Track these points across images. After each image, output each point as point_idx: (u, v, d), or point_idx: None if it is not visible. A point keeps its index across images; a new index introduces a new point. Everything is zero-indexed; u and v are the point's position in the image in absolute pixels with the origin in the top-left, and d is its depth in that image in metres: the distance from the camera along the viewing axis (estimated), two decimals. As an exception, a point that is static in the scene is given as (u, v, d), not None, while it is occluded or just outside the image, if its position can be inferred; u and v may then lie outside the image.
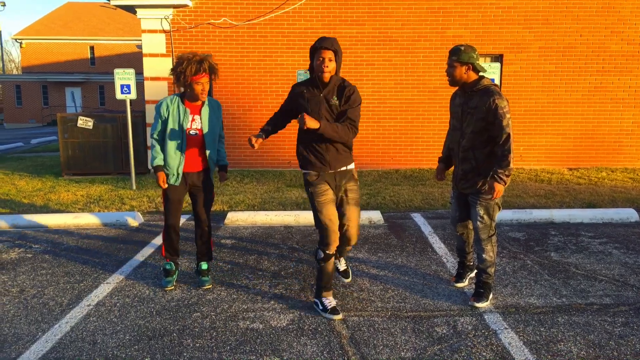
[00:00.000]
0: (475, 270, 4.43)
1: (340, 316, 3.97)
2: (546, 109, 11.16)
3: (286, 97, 4.14)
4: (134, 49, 38.96)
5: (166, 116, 4.37)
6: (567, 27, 10.88)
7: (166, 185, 4.40)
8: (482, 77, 3.98)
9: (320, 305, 4.05)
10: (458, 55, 3.88)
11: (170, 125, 4.36)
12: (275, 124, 4.14)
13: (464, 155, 4.06)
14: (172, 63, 10.98)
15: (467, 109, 3.98)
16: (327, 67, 3.75)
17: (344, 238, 4.06)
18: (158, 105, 4.41)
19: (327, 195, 3.92)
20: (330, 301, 4.05)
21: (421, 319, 3.95)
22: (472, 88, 3.96)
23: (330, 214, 3.89)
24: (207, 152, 4.47)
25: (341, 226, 4.02)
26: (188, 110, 4.38)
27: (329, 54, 3.75)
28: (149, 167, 11.10)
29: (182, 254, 5.55)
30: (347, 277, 4.57)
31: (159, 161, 4.42)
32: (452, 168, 4.35)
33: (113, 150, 10.77)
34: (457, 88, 4.16)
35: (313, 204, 3.94)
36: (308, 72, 4.11)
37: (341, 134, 3.79)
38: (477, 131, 3.93)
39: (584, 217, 6.83)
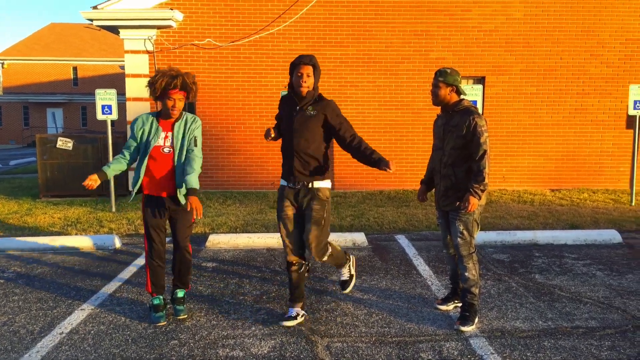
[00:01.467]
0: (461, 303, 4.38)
1: (290, 323, 4.15)
2: (528, 130, 11.25)
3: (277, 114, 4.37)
4: (117, 69, 38.85)
5: (140, 134, 4.20)
6: (548, 50, 11.04)
7: (89, 183, 4.07)
8: (463, 99, 4.19)
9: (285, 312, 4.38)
10: (445, 77, 4.10)
11: (142, 144, 4.22)
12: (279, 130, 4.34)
13: (445, 172, 4.19)
14: (155, 84, 10.89)
15: (448, 128, 4.16)
16: (304, 82, 3.98)
17: (309, 251, 4.22)
18: (133, 122, 4.23)
19: (286, 211, 4.17)
20: (292, 311, 4.26)
21: (406, 344, 3.86)
22: (454, 108, 4.16)
23: (283, 230, 4.19)
24: (177, 170, 4.18)
25: (305, 241, 4.18)
26: (160, 128, 4.20)
27: (307, 70, 3.97)
28: (130, 188, 10.93)
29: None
30: (344, 289, 4.68)
31: (106, 169, 4.20)
32: (435, 189, 4.44)
33: (93, 171, 10.55)
34: (439, 112, 4.34)
35: (277, 217, 4.26)
36: (287, 87, 4.14)
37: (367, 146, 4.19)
38: (457, 147, 4.09)
39: (567, 238, 6.83)
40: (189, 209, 3.96)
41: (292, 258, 4.21)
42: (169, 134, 4.21)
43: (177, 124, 4.23)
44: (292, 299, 4.32)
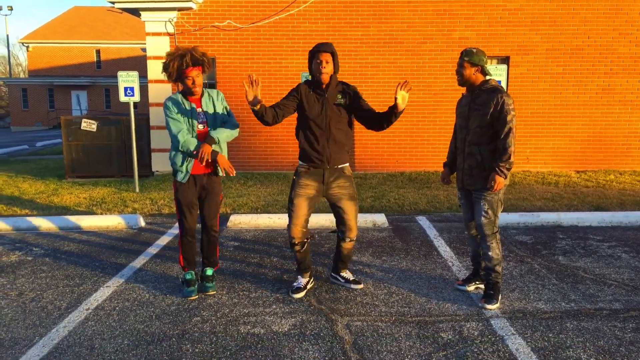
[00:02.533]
0: (484, 282, 4.38)
1: (298, 295, 4.33)
2: (553, 111, 11.04)
3: (290, 92, 4.27)
4: (139, 52, 39.09)
5: (178, 115, 4.23)
6: (575, 29, 10.77)
7: (207, 155, 4.12)
8: (489, 79, 4.17)
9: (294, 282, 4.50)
10: (470, 57, 4.08)
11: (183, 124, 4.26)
12: (277, 107, 4.20)
13: (470, 150, 4.16)
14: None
15: (474, 106, 4.13)
16: (324, 68, 4.06)
17: (343, 231, 4.39)
18: (166, 107, 4.24)
19: (306, 190, 4.22)
20: (298, 282, 4.44)
21: (426, 324, 3.86)
22: (480, 87, 4.13)
23: (297, 204, 4.21)
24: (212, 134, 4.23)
25: (341, 220, 4.36)
26: (194, 105, 4.27)
27: (326, 57, 4.06)
28: (153, 169, 11.06)
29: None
30: (359, 284, 4.58)
31: (193, 142, 4.19)
32: (457, 169, 4.43)
33: (117, 152, 10.73)
34: (464, 92, 4.33)
35: (290, 191, 4.29)
36: (309, 75, 4.18)
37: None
38: (484, 126, 4.06)
39: (592, 220, 6.72)
40: (221, 173, 4.27)
41: (295, 235, 4.25)
42: (200, 111, 4.30)
43: (203, 100, 4.33)
44: (299, 269, 4.48)
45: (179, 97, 4.29)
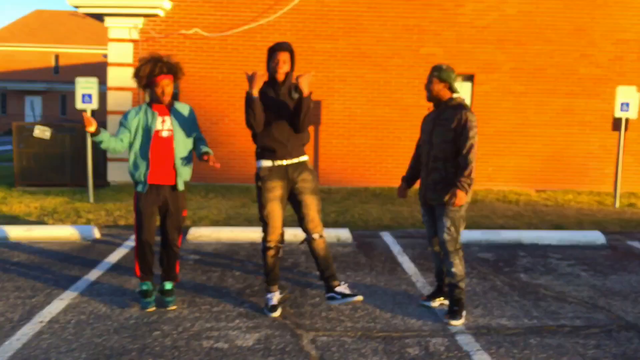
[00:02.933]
0: (449, 298, 4.38)
1: (276, 314, 4.17)
2: (516, 130, 11.27)
3: None
4: (100, 58, 38.28)
5: (136, 124, 4.17)
6: (539, 49, 11.04)
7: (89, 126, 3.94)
8: (456, 96, 4.25)
9: (265, 302, 4.31)
10: (439, 72, 4.17)
11: (139, 132, 4.18)
12: None
13: (434, 165, 4.19)
14: (140, 72, 10.72)
15: (438, 121, 4.19)
16: (281, 68, 4.11)
17: (307, 229, 4.20)
18: (125, 114, 4.20)
19: (275, 192, 4.14)
20: (271, 298, 4.27)
21: (392, 340, 3.81)
22: (446, 103, 4.20)
23: (272, 210, 4.13)
24: (176, 154, 4.21)
25: (302, 216, 4.21)
26: (156, 112, 4.19)
27: (284, 56, 4.10)
28: (108, 179, 10.75)
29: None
30: (358, 296, 4.14)
31: (101, 136, 4.07)
32: (418, 184, 4.49)
33: (71, 161, 10.38)
34: (430, 108, 4.38)
35: (259, 198, 4.19)
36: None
37: (309, 119, 4.17)
38: (448, 141, 4.11)
39: (552, 238, 6.84)
40: (210, 163, 4.21)
41: (274, 239, 4.18)
42: (166, 117, 4.21)
43: (172, 110, 4.26)
44: (269, 280, 4.29)
45: (143, 107, 4.23)
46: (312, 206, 4.20)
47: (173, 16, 10.69)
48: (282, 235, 4.27)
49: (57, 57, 38.97)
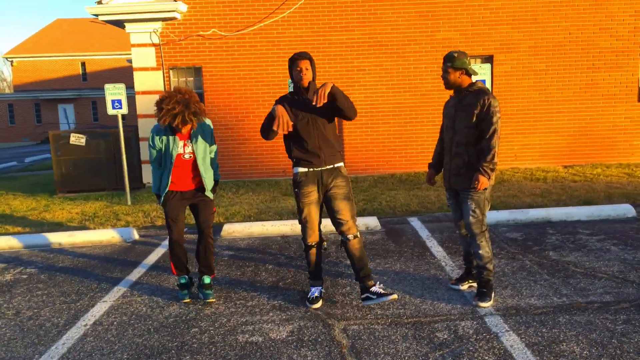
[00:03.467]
0: (477, 280, 4.46)
1: (317, 305, 4.33)
2: (539, 107, 11.17)
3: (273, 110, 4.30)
4: (125, 63, 38.96)
5: (160, 146, 4.49)
6: (556, 26, 10.92)
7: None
8: (476, 81, 4.25)
9: (309, 294, 4.48)
10: (452, 62, 4.16)
11: (163, 153, 4.52)
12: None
13: (457, 151, 4.24)
14: (163, 76, 10.96)
15: (460, 107, 4.21)
16: (305, 75, 4.23)
17: (342, 232, 4.29)
18: (152, 135, 4.51)
19: (311, 197, 4.30)
20: (313, 291, 4.44)
21: (422, 325, 3.92)
22: (467, 89, 4.22)
23: (309, 214, 4.32)
24: (202, 173, 4.55)
25: (336, 221, 4.31)
26: (177, 138, 4.47)
27: (305, 64, 4.23)
28: (144, 181, 11.06)
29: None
30: (393, 295, 4.15)
31: (155, 189, 4.64)
32: (444, 169, 4.51)
33: (107, 166, 10.72)
34: (451, 93, 4.41)
35: (297, 203, 4.38)
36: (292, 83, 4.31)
37: (350, 102, 4.19)
38: (470, 126, 4.14)
39: (581, 214, 6.82)
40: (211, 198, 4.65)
41: (314, 239, 4.37)
42: (187, 142, 4.50)
43: (192, 132, 4.51)
44: (313, 276, 4.48)
45: (163, 129, 4.48)
46: (344, 211, 4.28)
47: (190, 18, 10.89)
48: (320, 234, 4.47)
49: (83, 64, 39.82)
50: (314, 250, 4.42)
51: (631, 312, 3.96)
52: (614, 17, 10.89)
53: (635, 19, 10.89)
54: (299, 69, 4.22)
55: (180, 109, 4.22)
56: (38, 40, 40.45)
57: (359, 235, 4.35)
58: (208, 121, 4.62)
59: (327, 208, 4.38)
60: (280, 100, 4.31)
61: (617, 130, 11.25)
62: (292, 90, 4.44)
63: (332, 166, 4.32)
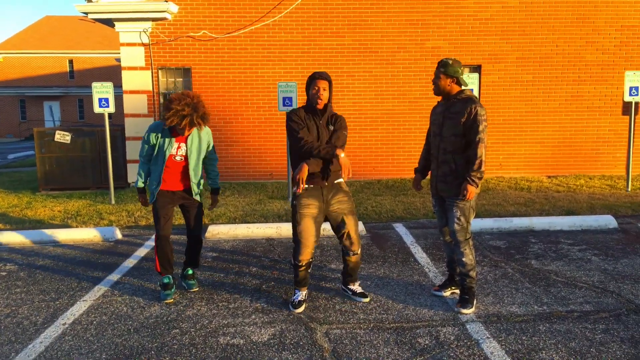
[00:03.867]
0: (460, 287, 4.53)
1: (300, 309, 4.29)
2: (525, 118, 11.29)
3: (295, 122, 4.28)
4: (113, 62, 38.70)
5: (154, 143, 4.52)
6: (544, 38, 11.06)
7: (147, 206, 4.66)
8: (464, 89, 4.28)
9: (292, 299, 4.44)
10: (445, 68, 4.18)
11: (156, 151, 4.55)
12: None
13: (444, 158, 4.26)
14: (152, 76, 10.90)
15: (448, 114, 4.22)
16: (321, 95, 4.20)
17: (346, 246, 4.40)
18: (148, 132, 4.52)
19: (310, 209, 4.24)
20: (300, 294, 4.42)
21: (404, 330, 3.93)
22: (455, 97, 4.23)
23: (306, 227, 4.22)
24: (191, 177, 4.62)
25: (342, 235, 4.38)
26: (173, 139, 4.51)
27: (323, 84, 4.21)
28: (129, 181, 10.97)
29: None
30: (365, 297, 4.53)
31: (140, 184, 4.66)
32: (429, 176, 4.55)
33: (91, 164, 10.62)
34: (439, 100, 4.43)
35: (294, 216, 4.28)
36: (307, 100, 4.42)
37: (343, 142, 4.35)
38: (458, 134, 4.16)
39: (563, 224, 6.89)
40: (214, 207, 4.98)
41: (305, 259, 4.28)
42: (182, 144, 4.54)
43: (190, 137, 4.56)
44: (299, 284, 4.43)
45: (162, 127, 4.51)
46: (351, 226, 4.36)
47: (181, 19, 10.86)
48: (313, 252, 4.37)
49: (71, 62, 39.46)
50: (302, 269, 4.33)
51: (610, 321, 4.01)
52: (600, 31, 11.06)
53: (621, 33, 11.08)
54: (317, 88, 4.20)
55: (189, 111, 4.27)
56: (26, 37, 40.03)
57: (359, 252, 4.48)
58: (207, 129, 4.68)
59: (334, 224, 4.41)
60: (298, 115, 4.28)
61: (601, 142, 11.40)
62: (303, 106, 4.40)
63: (332, 183, 4.36)
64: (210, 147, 4.75)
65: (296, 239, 4.26)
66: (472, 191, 4.06)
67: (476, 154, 4.05)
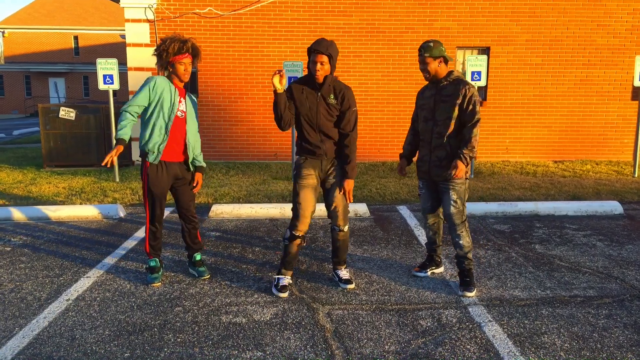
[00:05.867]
0: (441, 268, 4.70)
1: (284, 294, 4.20)
2: (532, 101, 11.18)
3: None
4: (118, 39, 38.52)
5: (159, 95, 4.21)
6: (554, 20, 10.89)
7: (114, 156, 4.12)
8: (452, 70, 4.25)
9: (274, 281, 4.33)
10: (430, 51, 4.13)
11: (163, 105, 4.22)
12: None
13: (439, 142, 4.23)
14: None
15: (440, 98, 4.20)
16: (319, 70, 4.05)
17: (334, 221, 4.34)
18: (148, 81, 4.21)
19: (308, 179, 4.22)
20: (283, 279, 4.31)
21: (405, 312, 3.92)
22: (446, 79, 4.20)
23: (304, 198, 4.18)
24: (189, 135, 4.40)
25: (331, 210, 4.33)
26: (177, 91, 4.32)
27: (322, 58, 4.01)
28: (133, 159, 10.97)
29: (163, 246, 5.49)
30: (350, 284, 4.40)
31: (125, 135, 4.17)
32: (416, 159, 4.55)
33: (96, 141, 10.61)
34: (426, 84, 4.44)
35: (294, 186, 4.27)
36: (307, 69, 4.23)
37: (354, 151, 4.28)
38: (452, 117, 4.14)
39: (569, 209, 6.86)
40: (194, 184, 4.49)
41: (304, 228, 4.21)
42: (182, 99, 4.36)
43: (187, 93, 4.44)
44: (286, 266, 4.34)
45: (167, 80, 4.32)
46: (340, 201, 4.29)
47: (187, -4, 10.74)
48: (307, 226, 4.28)
49: (76, 38, 39.30)
50: (297, 242, 4.25)
51: (613, 307, 4.00)
52: (612, 14, 10.89)
53: (633, 17, 10.90)
54: (314, 62, 4.05)
55: (185, 38, 4.24)
56: (31, 12, 39.81)
57: (345, 230, 4.40)
58: (194, 99, 4.56)
59: (325, 196, 4.36)
60: (296, 83, 4.21)
61: (609, 127, 11.29)
62: (303, 76, 4.27)
63: (332, 157, 4.29)
64: (197, 120, 4.54)
65: (294, 207, 4.20)
66: (462, 168, 4.05)
67: (471, 133, 4.05)
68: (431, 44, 4.10)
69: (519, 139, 11.31)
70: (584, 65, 11.06)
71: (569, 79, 11.10)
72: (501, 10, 10.84)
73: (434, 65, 4.13)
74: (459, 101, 4.09)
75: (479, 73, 8.57)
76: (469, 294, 4.21)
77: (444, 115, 4.16)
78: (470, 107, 4.06)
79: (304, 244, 4.40)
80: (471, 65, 8.60)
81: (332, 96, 4.19)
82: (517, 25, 10.90)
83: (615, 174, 9.59)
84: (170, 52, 4.20)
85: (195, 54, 4.32)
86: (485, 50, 11.04)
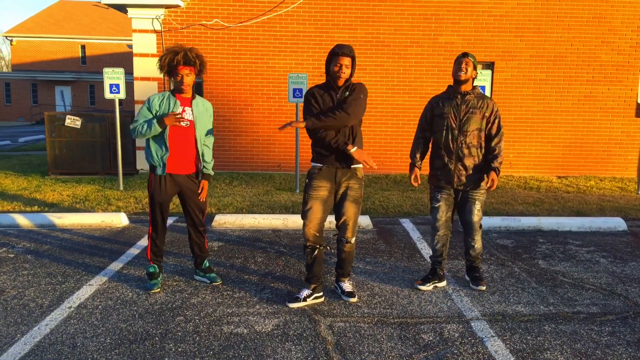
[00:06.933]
0: (444, 282, 4.76)
1: (295, 305, 4.20)
2: (536, 117, 11.20)
3: (313, 106, 4.15)
4: (125, 48, 38.77)
5: (157, 109, 4.32)
6: (558, 36, 10.94)
7: (178, 118, 4.24)
8: (476, 86, 4.52)
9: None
10: (474, 59, 4.40)
11: (161, 115, 4.32)
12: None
13: (467, 152, 4.39)
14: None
15: (469, 109, 4.36)
16: (343, 73, 4.04)
17: (342, 232, 4.30)
18: (148, 99, 4.36)
19: (319, 192, 4.18)
20: (304, 291, 4.32)
21: (408, 326, 3.91)
22: (472, 91, 4.41)
23: (312, 207, 4.17)
24: (198, 147, 4.43)
25: (340, 221, 4.29)
26: (178, 101, 4.36)
27: (346, 61, 4.02)
28: (137, 167, 11.00)
29: (166, 255, 5.49)
30: (353, 297, 4.37)
31: (148, 118, 4.33)
32: (440, 170, 4.55)
33: (101, 150, 10.66)
34: (441, 93, 4.56)
35: (304, 194, 4.25)
36: (325, 74, 4.23)
37: (327, 122, 4.00)
38: (481, 129, 4.37)
39: (572, 225, 6.84)
40: (199, 190, 4.51)
41: (312, 232, 4.18)
42: (187, 108, 4.39)
43: (194, 102, 4.44)
44: (307, 277, 4.34)
45: (166, 94, 4.39)
46: (351, 214, 4.23)
47: (194, 7, 10.83)
48: (320, 236, 4.25)
49: (83, 47, 39.58)
50: (309, 251, 4.25)
51: (617, 324, 3.98)
52: (616, 31, 10.93)
53: (637, 34, 10.94)
54: (339, 65, 4.00)
55: (180, 48, 4.29)
56: (39, 21, 40.16)
57: (352, 242, 4.36)
58: (208, 103, 4.58)
59: (336, 208, 4.29)
60: (312, 93, 4.15)
61: (613, 144, 11.29)
62: (322, 83, 4.22)
63: (348, 167, 4.19)
64: (210, 125, 4.55)
65: (303, 217, 4.20)
66: (496, 180, 4.34)
67: (500, 147, 4.37)
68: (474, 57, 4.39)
69: (523, 154, 11.31)
70: (588, 81, 11.08)
71: (573, 94, 11.13)
72: (505, 25, 10.91)
73: (471, 71, 4.34)
74: (487, 114, 4.36)
75: (483, 88, 8.60)
76: (483, 287, 4.59)
77: (474, 127, 4.36)
78: (497, 121, 4.38)
79: (319, 253, 4.29)
80: (475, 80, 8.63)
81: (346, 93, 4.13)
82: (521, 41, 10.95)
83: (619, 191, 9.58)
84: (163, 64, 4.29)
85: (191, 63, 4.30)
86: (489, 65, 11.09)
